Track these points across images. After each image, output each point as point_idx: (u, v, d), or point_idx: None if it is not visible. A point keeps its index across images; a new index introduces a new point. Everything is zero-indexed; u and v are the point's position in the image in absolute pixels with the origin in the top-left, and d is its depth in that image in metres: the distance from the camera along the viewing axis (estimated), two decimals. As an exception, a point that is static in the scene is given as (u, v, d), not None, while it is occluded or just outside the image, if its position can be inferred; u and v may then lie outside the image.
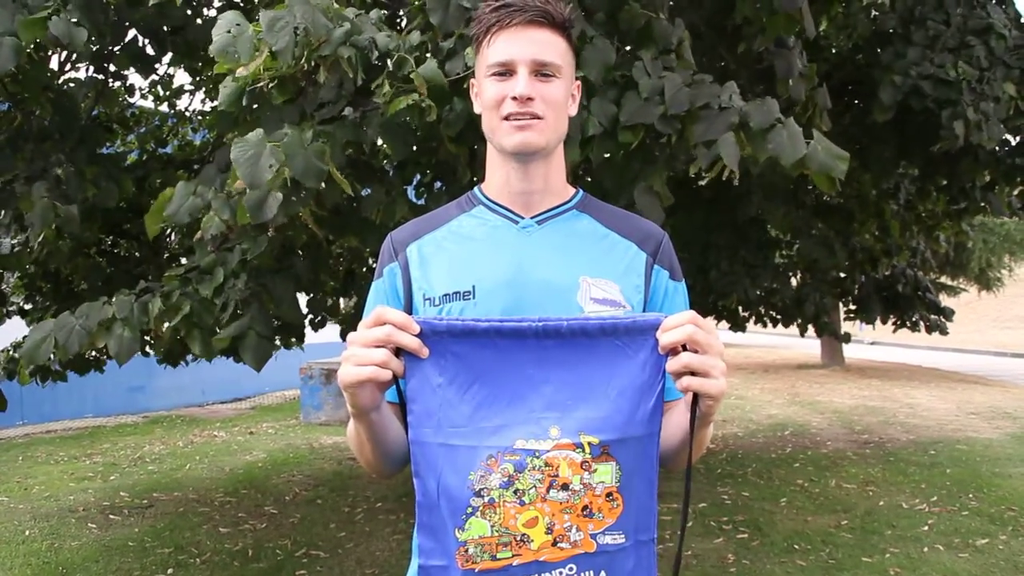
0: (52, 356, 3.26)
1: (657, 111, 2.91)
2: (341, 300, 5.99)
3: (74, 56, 4.83)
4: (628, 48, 3.15)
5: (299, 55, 2.63)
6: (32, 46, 3.27)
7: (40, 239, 4.57)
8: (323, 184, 2.82)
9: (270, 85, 2.78)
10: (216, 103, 6.13)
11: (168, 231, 5.66)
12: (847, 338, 9.31)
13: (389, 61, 2.73)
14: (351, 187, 2.97)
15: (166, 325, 3.25)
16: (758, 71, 4.21)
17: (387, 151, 4.47)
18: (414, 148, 4.48)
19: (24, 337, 5.24)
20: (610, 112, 2.96)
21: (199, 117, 6.77)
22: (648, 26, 3.07)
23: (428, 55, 2.81)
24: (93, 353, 5.27)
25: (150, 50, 4.67)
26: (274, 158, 2.63)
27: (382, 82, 2.70)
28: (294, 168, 2.66)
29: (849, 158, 2.78)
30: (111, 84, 5.38)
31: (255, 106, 2.99)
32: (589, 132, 2.93)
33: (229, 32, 2.70)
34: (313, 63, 2.70)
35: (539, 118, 1.33)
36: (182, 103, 6.77)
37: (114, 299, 3.30)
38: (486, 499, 1.16)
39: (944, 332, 8.52)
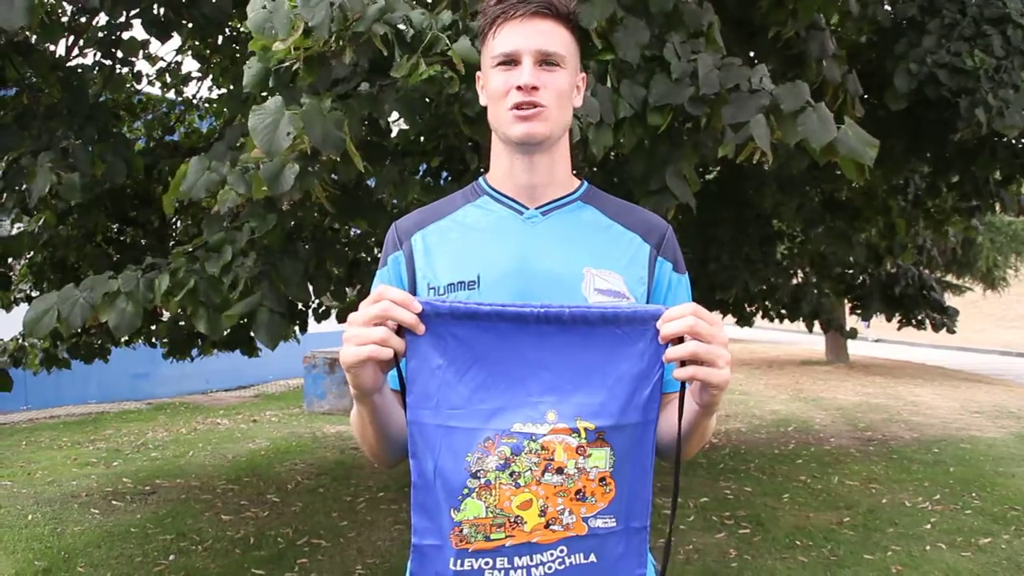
0: (56, 327, 3.21)
1: (687, 92, 2.90)
2: (347, 289, 5.99)
3: (81, 40, 4.83)
4: (657, 33, 3.12)
5: (335, 31, 2.62)
6: (46, 4, 3.18)
7: (41, 222, 4.57)
8: (337, 159, 2.81)
9: (299, 66, 2.75)
10: (223, 90, 6.15)
11: (174, 219, 5.68)
12: (853, 334, 9.27)
13: (423, 39, 2.71)
14: (363, 167, 2.95)
15: (172, 300, 3.22)
16: (786, 57, 4.18)
17: (397, 140, 4.48)
18: (421, 137, 4.47)
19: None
20: (639, 95, 2.95)
21: (206, 104, 6.77)
22: (677, 9, 3.06)
23: (462, 35, 2.79)
24: (98, 342, 5.29)
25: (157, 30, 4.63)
26: (292, 126, 2.61)
27: (416, 60, 2.67)
28: (312, 136, 2.64)
29: (879, 145, 2.75)
30: (118, 70, 5.38)
31: (284, 87, 2.97)
32: (620, 115, 2.91)
33: (265, 8, 2.70)
34: (341, 42, 2.68)
35: (543, 108, 1.34)
36: (189, 90, 6.78)
37: (120, 275, 3.29)
38: (482, 481, 1.17)
39: (951, 330, 8.47)
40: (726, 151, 2.90)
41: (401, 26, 2.72)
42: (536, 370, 1.19)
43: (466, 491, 1.17)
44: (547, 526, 1.18)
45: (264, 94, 3.07)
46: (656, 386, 1.19)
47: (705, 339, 1.15)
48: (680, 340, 1.17)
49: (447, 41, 2.65)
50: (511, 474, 1.17)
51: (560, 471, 1.17)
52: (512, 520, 1.17)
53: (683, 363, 1.17)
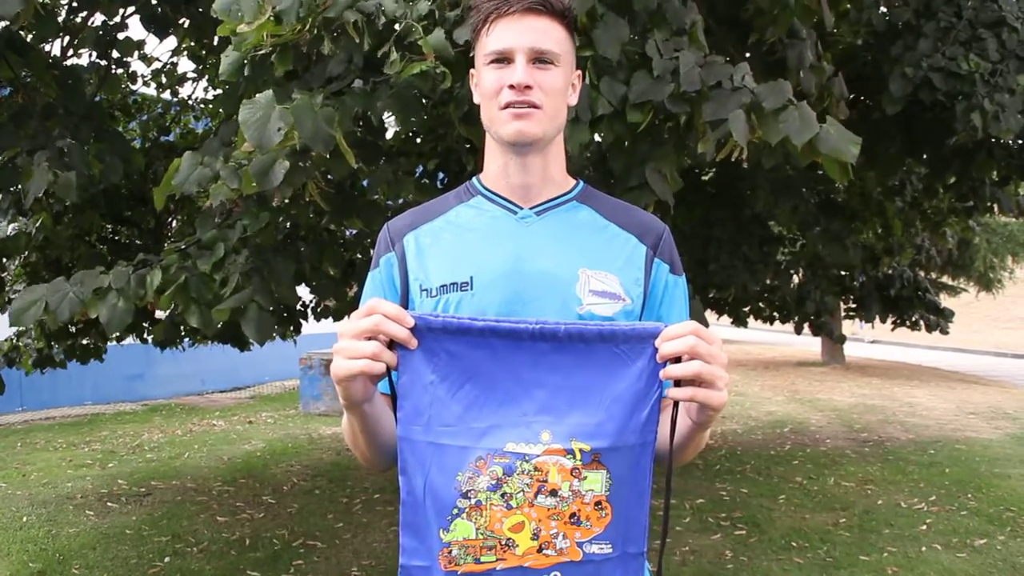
0: (43, 319, 3.18)
1: (667, 89, 2.87)
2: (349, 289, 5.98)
3: (77, 40, 4.82)
4: (640, 31, 3.11)
5: (303, 16, 2.59)
6: None
7: (38, 224, 4.55)
8: (327, 156, 2.79)
9: (272, 55, 2.73)
10: (218, 91, 6.13)
11: (169, 219, 5.67)
12: (842, 339, 9.31)
13: (397, 27, 2.69)
14: (356, 166, 2.94)
15: (163, 296, 3.20)
16: (769, 63, 4.19)
17: (392, 141, 4.47)
18: (419, 137, 4.46)
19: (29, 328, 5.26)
20: (619, 92, 2.92)
21: (201, 105, 6.76)
22: (660, 8, 3.04)
23: (437, 26, 2.76)
24: (91, 342, 5.27)
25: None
26: (283, 120, 2.59)
27: (389, 50, 2.66)
28: (303, 132, 2.61)
29: (861, 143, 2.74)
30: (114, 70, 5.37)
31: (260, 80, 2.95)
32: (598, 112, 2.90)
33: None
34: (317, 31, 2.66)
35: (537, 107, 1.31)
36: (184, 91, 6.76)
37: (111, 271, 3.27)
38: (473, 501, 1.14)
39: (944, 331, 8.49)
40: (706, 147, 2.88)
41: (392, 18, 2.69)
42: (530, 388, 1.16)
43: (456, 511, 1.14)
44: (540, 550, 1.14)
45: (261, 91, 3.06)
46: (654, 407, 1.16)
47: (705, 359, 1.13)
48: (679, 358, 1.14)
49: (420, 31, 2.62)
50: (503, 495, 1.14)
51: (554, 493, 1.14)
52: (503, 543, 1.14)
53: (679, 382, 1.15)
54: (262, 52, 2.74)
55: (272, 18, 2.60)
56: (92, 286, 3.18)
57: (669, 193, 3.18)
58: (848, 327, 11.49)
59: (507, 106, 1.31)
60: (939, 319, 8.44)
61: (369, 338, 1.15)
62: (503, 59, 1.32)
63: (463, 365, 1.17)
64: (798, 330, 8.34)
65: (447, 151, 4.51)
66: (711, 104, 2.84)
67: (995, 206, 6.40)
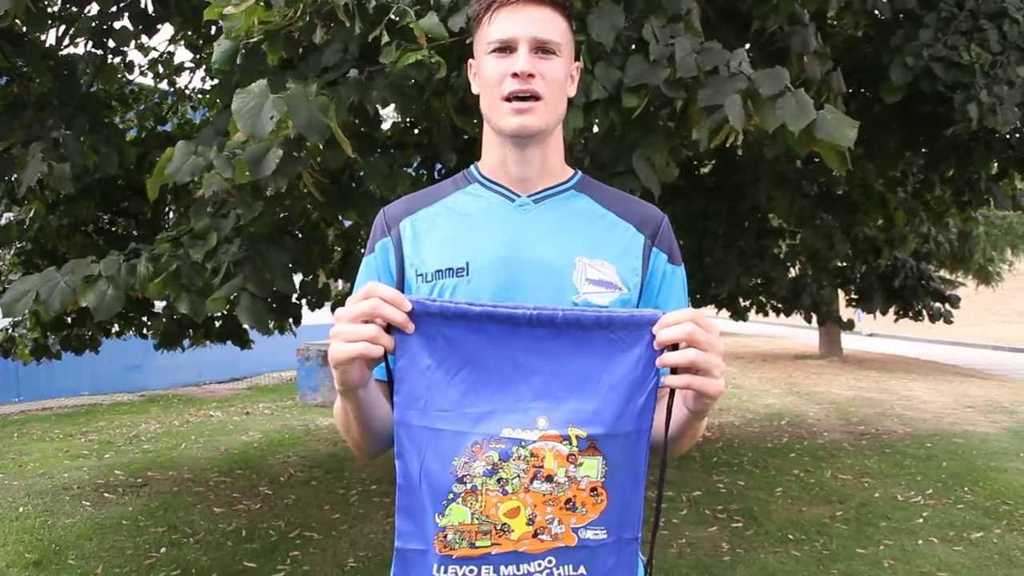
0: (35, 309, 3.16)
1: (663, 74, 2.85)
2: (339, 282, 5.96)
3: (72, 30, 4.79)
4: (635, 17, 3.08)
5: (294, 0, 2.58)
6: None
7: (31, 213, 4.54)
8: (321, 146, 2.77)
9: (263, 43, 2.71)
10: (215, 80, 6.11)
11: (166, 210, 5.65)
12: (850, 325, 9.24)
13: (387, 11, 2.67)
14: (351, 156, 2.92)
15: (154, 284, 3.17)
16: (769, 52, 4.16)
17: (389, 132, 4.45)
18: (416, 128, 4.43)
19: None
20: (614, 77, 2.90)
21: (199, 95, 6.73)
22: None
23: (430, 11, 2.74)
24: (88, 333, 5.26)
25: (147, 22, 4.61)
26: (276, 110, 2.57)
27: (380, 34, 2.64)
28: (297, 121, 2.60)
29: (858, 127, 2.71)
30: (110, 60, 5.34)
31: (255, 70, 2.93)
32: (593, 96, 2.87)
33: None
34: (309, 17, 2.64)
35: (539, 98, 1.31)
36: (182, 81, 6.73)
37: (103, 259, 3.25)
38: (468, 486, 1.14)
39: (949, 320, 8.42)
40: (700, 134, 2.86)
41: (384, 2, 2.67)
42: (527, 375, 1.16)
43: (451, 496, 1.14)
44: (535, 535, 1.15)
45: (257, 80, 3.04)
46: (651, 394, 1.16)
47: (702, 347, 1.12)
48: (676, 346, 1.14)
49: (413, 16, 2.60)
50: (499, 480, 1.14)
51: (550, 479, 1.14)
52: (498, 528, 1.14)
53: (675, 370, 1.15)
54: (253, 40, 2.71)
55: (262, 3, 2.57)
56: (83, 274, 3.17)
57: (655, 181, 3.16)
58: (845, 318, 11.39)
59: (509, 97, 1.31)
60: (944, 306, 8.36)
61: (366, 322, 1.14)
62: (505, 48, 1.32)
63: (460, 350, 1.16)
64: (807, 319, 8.29)
65: (432, 145, 4.49)
66: (707, 90, 2.81)
67: (991, 200, 6.38)
